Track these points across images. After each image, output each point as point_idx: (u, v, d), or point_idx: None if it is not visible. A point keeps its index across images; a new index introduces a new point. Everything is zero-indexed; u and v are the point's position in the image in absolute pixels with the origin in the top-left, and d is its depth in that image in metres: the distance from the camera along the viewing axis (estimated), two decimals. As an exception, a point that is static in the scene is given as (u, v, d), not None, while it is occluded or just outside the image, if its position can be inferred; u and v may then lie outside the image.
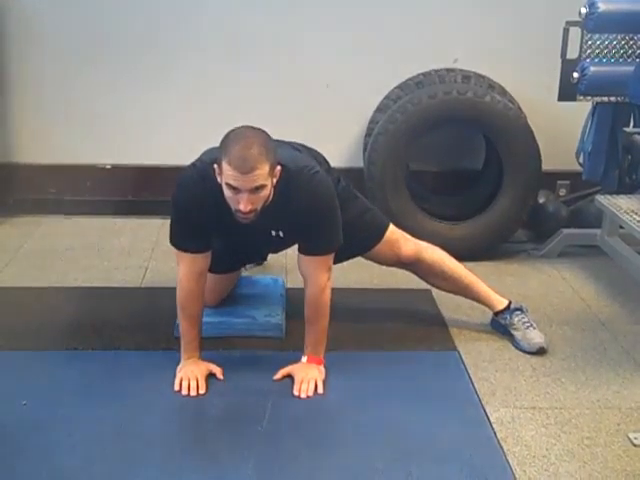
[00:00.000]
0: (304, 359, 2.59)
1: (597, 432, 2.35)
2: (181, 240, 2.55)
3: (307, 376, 2.52)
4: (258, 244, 2.84)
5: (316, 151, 2.80)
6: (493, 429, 2.34)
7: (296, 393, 2.49)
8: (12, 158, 4.06)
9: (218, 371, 2.57)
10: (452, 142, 4.07)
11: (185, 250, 2.54)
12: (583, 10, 3.31)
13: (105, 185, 4.07)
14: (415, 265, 2.91)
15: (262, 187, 2.33)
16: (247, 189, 2.31)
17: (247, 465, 2.17)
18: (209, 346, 2.71)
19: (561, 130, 3.90)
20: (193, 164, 2.55)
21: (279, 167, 2.40)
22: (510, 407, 2.47)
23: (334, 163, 3.95)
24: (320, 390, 2.50)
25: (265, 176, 2.31)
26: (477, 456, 2.23)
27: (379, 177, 3.56)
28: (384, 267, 3.02)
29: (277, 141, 2.49)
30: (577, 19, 3.38)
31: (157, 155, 4.03)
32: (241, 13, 3.94)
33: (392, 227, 2.88)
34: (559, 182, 4.01)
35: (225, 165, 2.31)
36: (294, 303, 2.80)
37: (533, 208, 3.64)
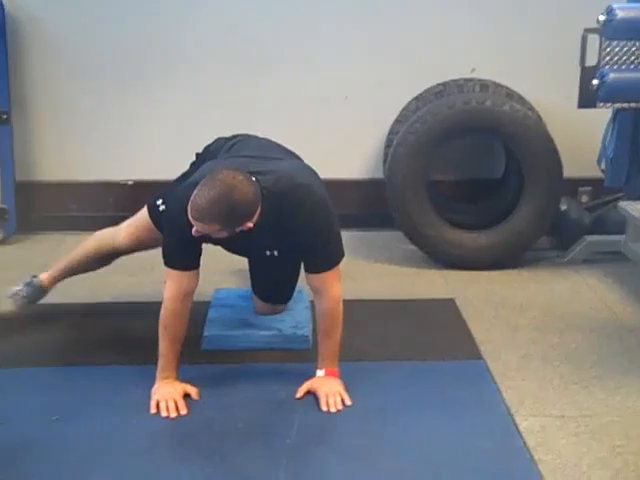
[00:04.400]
0: (321, 373, 2.56)
1: (628, 440, 2.33)
2: (170, 257, 2.52)
3: (331, 390, 2.51)
4: (253, 262, 2.92)
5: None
6: (523, 438, 2.33)
7: (324, 408, 2.46)
8: (33, 176, 4.09)
9: (194, 392, 2.52)
10: (472, 151, 4.07)
11: (173, 267, 2.51)
12: (601, 17, 3.29)
13: (127, 201, 4.08)
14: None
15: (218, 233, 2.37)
16: (203, 231, 2.35)
17: (277, 479, 2.16)
18: (234, 359, 2.71)
19: (582, 137, 3.88)
20: (188, 183, 2.51)
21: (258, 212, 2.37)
22: (539, 416, 2.45)
23: (354, 175, 4.03)
24: (347, 402, 2.49)
25: (216, 231, 2.35)
26: (508, 466, 2.22)
27: (400, 188, 3.56)
28: (406, 278, 2.98)
29: (278, 150, 2.63)
30: (595, 26, 3.37)
31: (179, 171, 4.05)
32: (257, 27, 3.96)
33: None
34: (581, 188, 3.99)
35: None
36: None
37: (556, 215, 3.62)
